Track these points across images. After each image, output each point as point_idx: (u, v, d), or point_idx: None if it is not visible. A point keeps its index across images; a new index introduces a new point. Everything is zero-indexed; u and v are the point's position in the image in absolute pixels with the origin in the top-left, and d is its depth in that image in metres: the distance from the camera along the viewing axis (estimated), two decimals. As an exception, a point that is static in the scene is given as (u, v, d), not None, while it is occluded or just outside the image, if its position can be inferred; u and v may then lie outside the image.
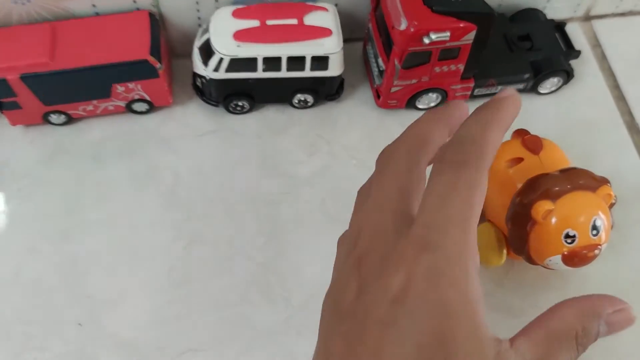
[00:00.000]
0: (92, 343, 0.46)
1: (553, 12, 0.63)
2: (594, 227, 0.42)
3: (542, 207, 0.41)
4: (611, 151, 0.57)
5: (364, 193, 0.39)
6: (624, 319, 0.35)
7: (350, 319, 0.32)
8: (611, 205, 0.45)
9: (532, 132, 0.54)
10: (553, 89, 0.59)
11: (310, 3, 0.53)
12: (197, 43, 0.54)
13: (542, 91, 0.59)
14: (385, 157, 0.37)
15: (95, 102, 0.54)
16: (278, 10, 0.52)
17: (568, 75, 0.58)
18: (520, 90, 0.58)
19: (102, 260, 0.50)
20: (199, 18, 0.56)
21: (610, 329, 0.35)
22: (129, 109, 0.55)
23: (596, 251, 0.42)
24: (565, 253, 0.42)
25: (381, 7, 0.52)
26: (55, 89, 0.51)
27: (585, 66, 0.62)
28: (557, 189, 0.42)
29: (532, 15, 0.61)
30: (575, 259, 0.42)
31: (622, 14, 0.66)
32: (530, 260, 0.44)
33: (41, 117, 0.54)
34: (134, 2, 0.53)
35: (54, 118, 0.54)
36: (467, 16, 0.48)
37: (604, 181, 0.44)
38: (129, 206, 0.52)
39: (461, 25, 0.48)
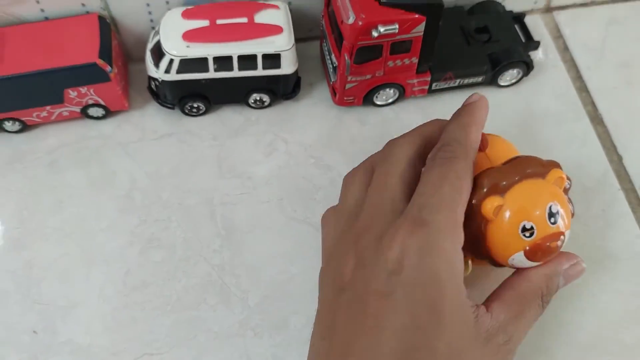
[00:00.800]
0: (46, 350, 0.46)
1: (512, 4, 0.62)
2: (551, 215, 0.39)
3: (491, 203, 0.39)
4: (574, 142, 0.57)
5: (351, 179, 0.44)
6: (577, 270, 0.42)
7: (350, 290, 0.36)
8: (566, 190, 0.43)
9: (494, 125, 0.54)
10: (513, 81, 0.58)
11: (261, 1, 0.53)
12: (149, 45, 0.54)
13: (502, 83, 0.58)
14: (390, 147, 0.42)
15: (48, 108, 0.53)
16: (228, 10, 0.52)
17: (528, 66, 0.58)
18: (479, 84, 0.58)
19: (58, 267, 0.49)
20: (151, 21, 0.56)
21: (566, 281, 0.42)
22: (84, 114, 0.55)
23: (559, 242, 0.40)
24: (527, 248, 0.39)
25: (332, 3, 0.52)
26: (6, 95, 0.51)
27: (547, 58, 0.62)
28: (504, 182, 0.40)
29: (491, 7, 0.60)
30: (538, 252, 0.40)
31: (584, 4, 0.66)
32: (495, 262, 0.42)
33: (-6, 125, 0.54)
34: (83, 5, 0.53)
35: (8, 125, 0.54)
36: (415, 8, 0.47)
37: (552, 165, 0.41)
38: (85, 212, 0.52)
39: (409, 16, 0.48)
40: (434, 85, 0.56)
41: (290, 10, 0.54)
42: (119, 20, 0.55)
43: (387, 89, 0.55)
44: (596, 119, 0.58)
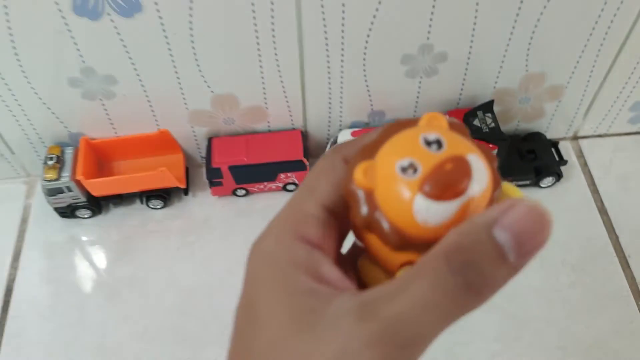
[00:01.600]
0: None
1: (551, 134, 0.94)
2: (429, 143, 0.28)
3: (360, 169, 0.29)
4: (587, 225, 0.87)
5: None
6: (526, 215, 0.27)
7: None
8: (464, 131, 0.31)
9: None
10: (549, 184, 0.90)
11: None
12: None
13: (542, 185, 0.90)
14: None
15: (265, 183, 0.87)
16: (379, 132, 0.86)
17: (559, 176, 0.89)
18: (526, 185, 0.89)
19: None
20: (328, 133, 0.90)
21: (516, 239, 0.26)
22: (283, 188, 0.89)
23: (463, 168, 0.28)
24: (424, 188, 0.27)
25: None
26: (245, 175, 0.85)
27: (573, 170, 0.92)
28: (372, 151, 0.30)
29: (537, 136, 0.92)
30: (439, 183, 0.27)
31: (599, 136, 0.97)
32: (404, 237, 0.28)
33: (231, 191, 0.88)
34: (292, 124, 0.88)
35: (238, 192, 0.88)
36: (491, 140, 0.80)
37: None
38: (284, 247, 0.85)
39: (487, 146, 0.81)
40: (499, 184, 0.89)
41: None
42: (309, 132, 0.90)
43: (469, 185, 0.88)
44: (602, 211, 0.89)
